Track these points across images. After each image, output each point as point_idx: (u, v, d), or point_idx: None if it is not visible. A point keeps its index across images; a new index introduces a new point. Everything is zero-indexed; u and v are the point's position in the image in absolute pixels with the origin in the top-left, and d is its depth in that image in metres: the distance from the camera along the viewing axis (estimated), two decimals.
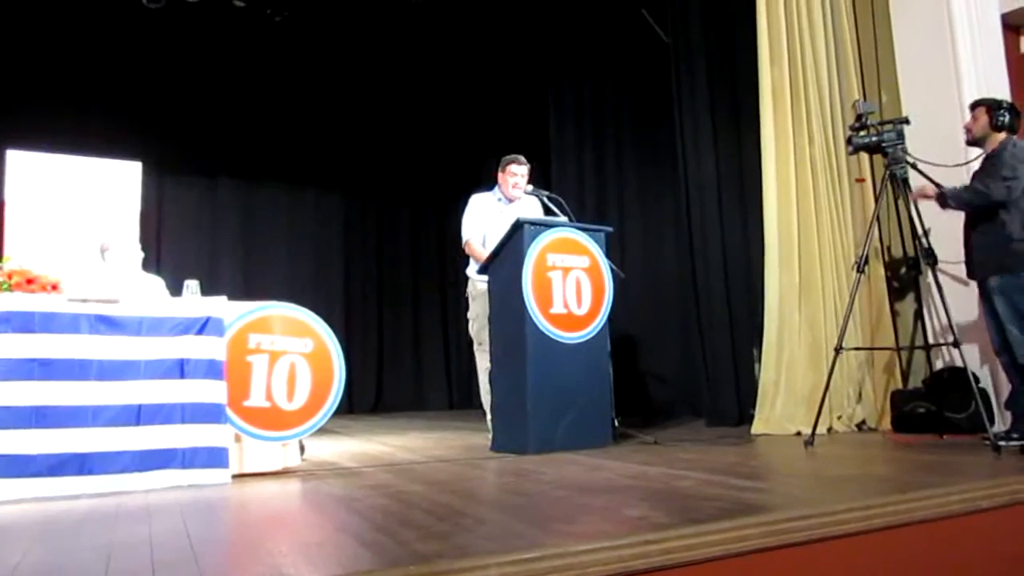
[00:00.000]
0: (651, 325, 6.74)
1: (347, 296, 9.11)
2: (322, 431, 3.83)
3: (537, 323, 3.96)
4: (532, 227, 4.06)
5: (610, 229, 4.48)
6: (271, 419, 3.49)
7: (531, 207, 4.73)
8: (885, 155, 4.19)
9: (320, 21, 7.59)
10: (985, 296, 3.78)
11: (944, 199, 3.92)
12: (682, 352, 6.24)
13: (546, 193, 4.66)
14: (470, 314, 4.66)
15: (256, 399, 3.47)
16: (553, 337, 4.01)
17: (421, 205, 9.60)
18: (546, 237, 4.07)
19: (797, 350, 4.61)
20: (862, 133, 4.24)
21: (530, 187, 4.68)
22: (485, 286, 4.41)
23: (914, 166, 4.18)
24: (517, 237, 4.05)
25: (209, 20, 7.35)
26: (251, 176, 8.65)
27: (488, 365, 4.40)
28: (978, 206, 3.79)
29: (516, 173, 4.68)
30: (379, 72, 8.56)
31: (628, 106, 7.15)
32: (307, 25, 7.63)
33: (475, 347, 4.66)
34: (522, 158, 4.73)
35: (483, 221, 4.63)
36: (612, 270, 4.33)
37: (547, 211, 4.61)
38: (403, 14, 7.35)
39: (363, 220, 9.40)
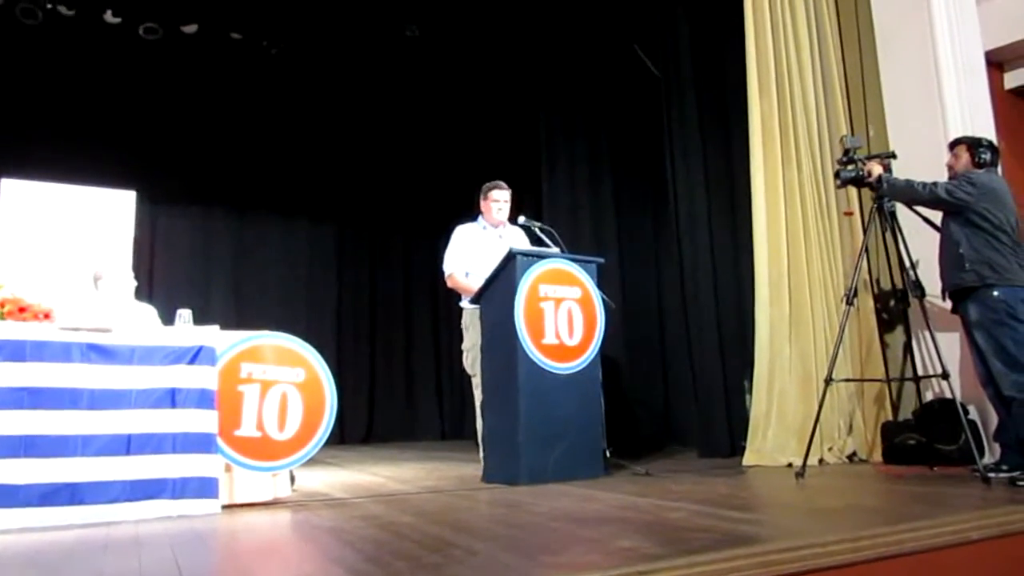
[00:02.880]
0: (643, 356, 6.76)
1: (339, 325, 9.10)
2: (313, 461, 3.82)
3: (529, 353, 3.98)
4: (524, 258, 4.09)
5: (601, 260, 4.50)
6: (262, 449, 3.48)
7: (517, 236, 4.76)
8: (872, 189, 4.26)
9: (316, 54, 7.69)
10: (967, 330, 3.83)
11: (880, 182, 4.17)
12: (673, 383, 6.25)
13: (538, 224, 4.70)
14: (464, 345, 4.65)
15: (247, 429, 3.46)
16: (545, 368, 4.02)
17: (414, 235, 9.63)
18: (538, 268, 4.10)
19: (788, 381, 4.63)
20: (849, 167, 4.32)
21: (522, 218, 4.71)
22: (479, 317, 4.42)
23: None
24: (510, 268, 4.08)
25: (206, 51, 7.44)
26: (245, 206, 8.67)
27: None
28: (919, 200, 4.04)
29: (498, 199, 4.71)
30: (373, 104, 8.64)
31: (620, 138, 7.23)
32: (303, 57, 7.72)
33: (472, 379, 4.62)
34: (503, 184, 4.77)
35: (469, 251, 4.65)
36: (604, 301, 4.35)
37: (539, 242, 4.64)
38: (397, 47, 7.45)
39: (356, 250, 9.42)
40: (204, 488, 3.25)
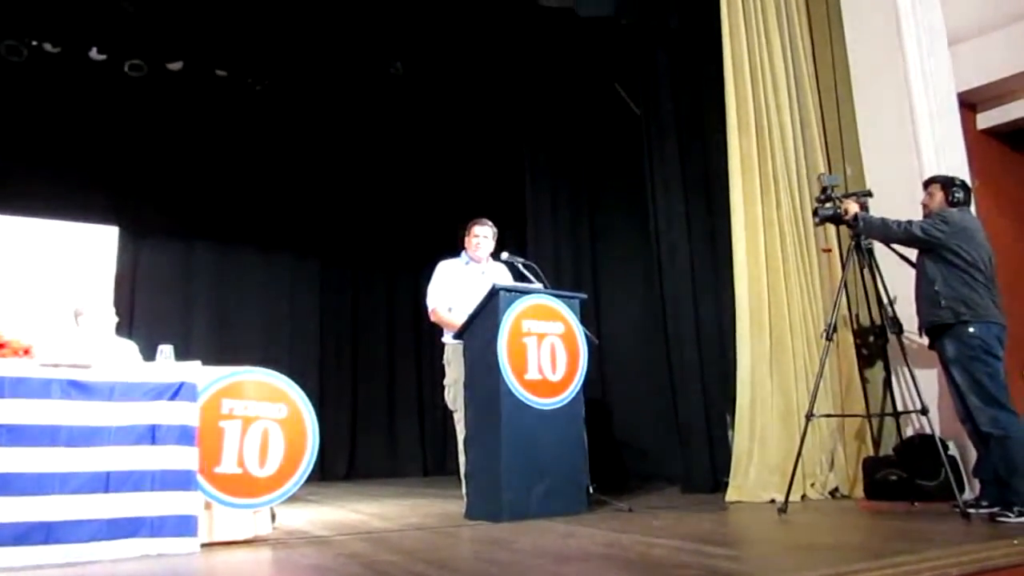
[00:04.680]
0: (625, 391, 6.76)
1: (322, 361, 9.03)
2: (293, 498, 3.78)
3: (512, 389, 3.98)
4: (508, 294, 4.11)
5: (584, 296, 4.53)
6: (242, 486, 3.45)
7: (500, 272, 4.79)
8: (849, 227, 4.33)
9: (300, 90, 7.74)
10: (944, 366, 3.88)
11: (856, 221, 4.24)
12: (656, 418, 6.25)
13: (521, 260, 4.72)
14: (446, 380, 4.65)
15: (227, 465, 3.43)
16: (528, 403, 4.02)
17: (397, 271, 9.63)
18: (521, 303, 4.12)
19: (769, 417, 4.65)
20: (827, 205, 4.39)
21: (505, 254, 4.74)
22: (461, 352, 4.42)
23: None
24: (493, 303, 4.09)
25: (191, 88, 7.47)
26: (227, 241, 8.63)
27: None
28: (894, 238, 4.13)
29: (478, 234, 4.75)
30: (357, 140, 8.69)
31: (602, 174, 7.31)
32: (287, 94, 7.77)
33: (454, 415, 4.61)
34: (485, 220, 4.81)
35: (451, 286, 4.68)
36: (586, 336, 4.37)
37: (522, 278, 4.66)
38: (382, 83, 7.52)
39: (339, 286, 9.39)
40: (183, 526, 3.20)
